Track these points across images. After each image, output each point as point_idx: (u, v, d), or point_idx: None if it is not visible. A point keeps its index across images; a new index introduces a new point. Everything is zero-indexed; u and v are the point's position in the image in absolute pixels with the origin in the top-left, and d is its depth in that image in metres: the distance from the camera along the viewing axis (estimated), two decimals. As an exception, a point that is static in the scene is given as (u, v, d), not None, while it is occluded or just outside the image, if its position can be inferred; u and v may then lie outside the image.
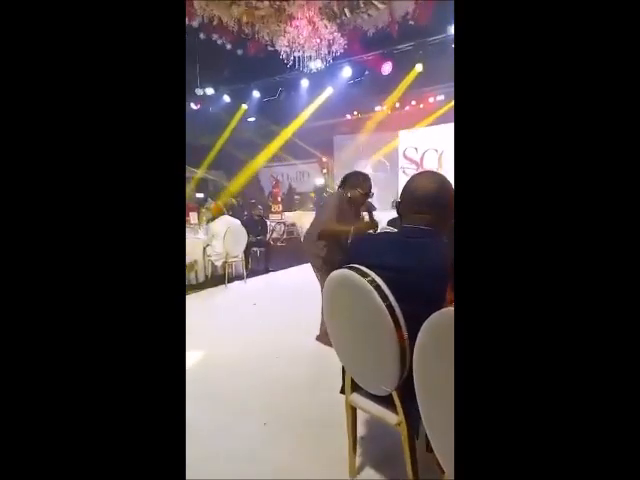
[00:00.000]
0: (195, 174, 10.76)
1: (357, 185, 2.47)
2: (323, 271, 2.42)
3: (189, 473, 1.27)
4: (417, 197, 1.16)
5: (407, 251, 1.14)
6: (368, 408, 1.32)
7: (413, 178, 1.22)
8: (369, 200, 2.55)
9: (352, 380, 1.35)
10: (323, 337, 2.59)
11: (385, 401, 1.23)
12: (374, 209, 2.58)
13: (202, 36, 5.65)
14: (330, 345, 2.60)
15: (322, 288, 2.51)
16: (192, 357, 2.53)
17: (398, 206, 1.24)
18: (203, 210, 6.82)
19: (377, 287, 1.11)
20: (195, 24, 5.11)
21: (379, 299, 1.09)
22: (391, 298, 1.09)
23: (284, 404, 1.92)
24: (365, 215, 2.59)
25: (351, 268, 1.18)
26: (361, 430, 1.50)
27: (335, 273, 1.24)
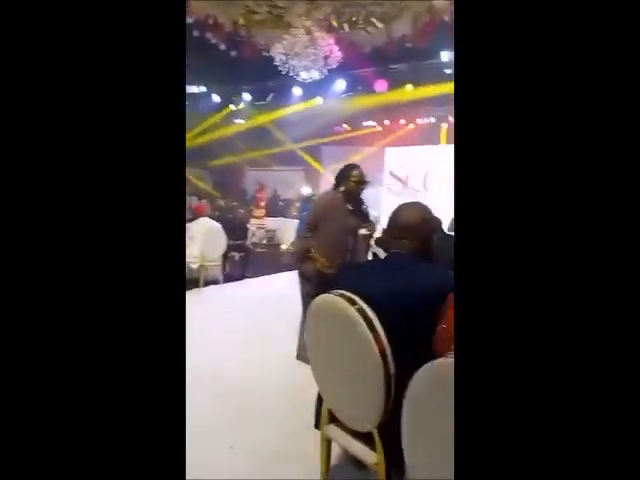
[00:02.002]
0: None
1: (348, 176, 2.33)
2: (309, 286, 2.31)
3: None
4: (402, 226, 1.24)
5: (394, 275, 1.17)
6: (345, 443, 1.24)
7: (399, 208, 1.30)
8: (364, 206, 2.43)
9: (329, 411, 1.27)
10: (302, 355, 2.48)
11: (364, 437, 1.16)
12: (367, 208, 2.43)
13: (195, 33, 5.53)
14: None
15: (303, 303, 2.42)
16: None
17: (385, 233, 1.32)
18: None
19: (365, 317, 1.04)
20: (190, 20, 5.00)
21: (367, 330, 1.03)
22: (379, 330, 1.03)
23: (252, 430, 1.82)
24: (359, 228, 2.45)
25: (337, 294, 1.11)
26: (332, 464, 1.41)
27: (320, 298, 1.16)
